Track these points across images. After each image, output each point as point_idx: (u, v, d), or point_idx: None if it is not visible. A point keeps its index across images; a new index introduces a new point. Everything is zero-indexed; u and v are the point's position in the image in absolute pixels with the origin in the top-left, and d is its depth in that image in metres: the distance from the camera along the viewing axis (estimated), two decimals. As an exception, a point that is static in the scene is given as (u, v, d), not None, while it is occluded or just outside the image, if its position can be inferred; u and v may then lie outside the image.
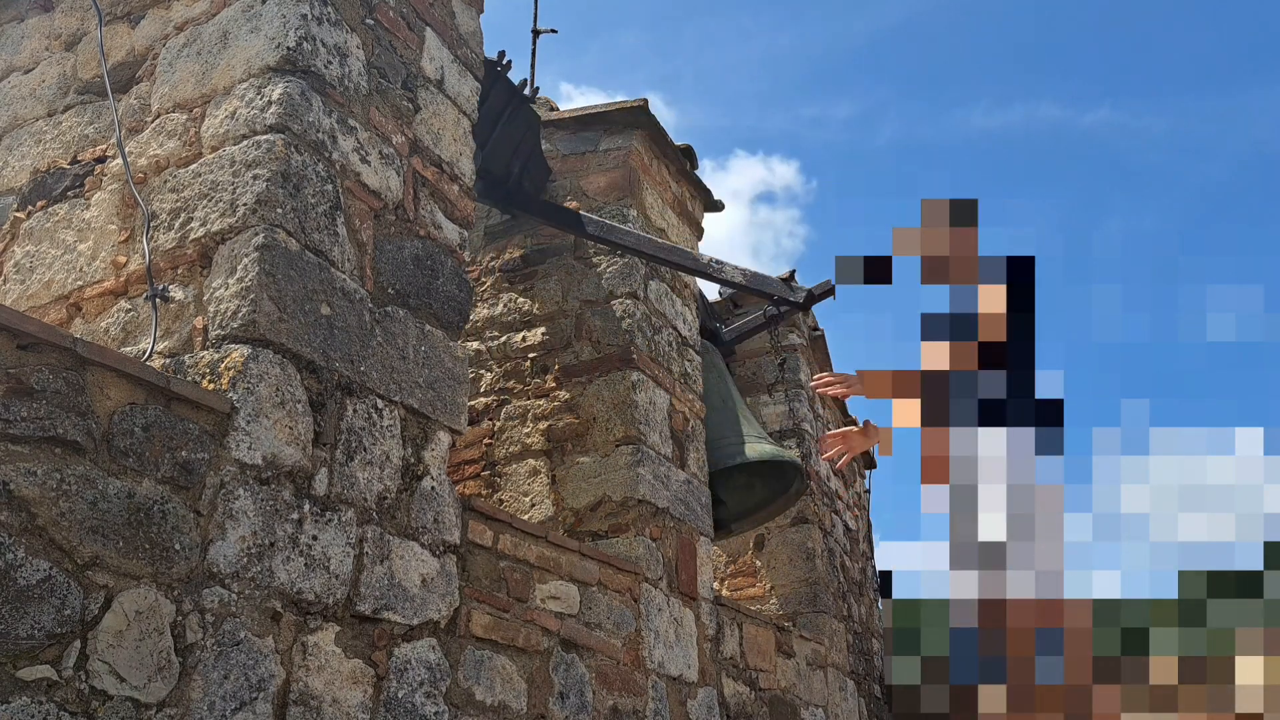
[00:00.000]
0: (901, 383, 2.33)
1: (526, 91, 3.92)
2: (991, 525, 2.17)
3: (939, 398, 2.26)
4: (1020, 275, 2.31)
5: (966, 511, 2.20)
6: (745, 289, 4.29)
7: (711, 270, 4.06)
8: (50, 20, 2.95)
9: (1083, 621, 2.12)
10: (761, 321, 4.94)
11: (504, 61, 3.72)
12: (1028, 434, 2.20)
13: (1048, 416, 2.22)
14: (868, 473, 7.40)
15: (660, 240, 3.98)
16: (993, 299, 2.30)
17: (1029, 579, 2.15)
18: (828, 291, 4.31)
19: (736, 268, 4.14)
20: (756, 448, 4.55)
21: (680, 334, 4.21)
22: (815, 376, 3.64)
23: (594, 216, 3.92)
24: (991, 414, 2.22)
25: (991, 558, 2.16)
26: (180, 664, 1.88)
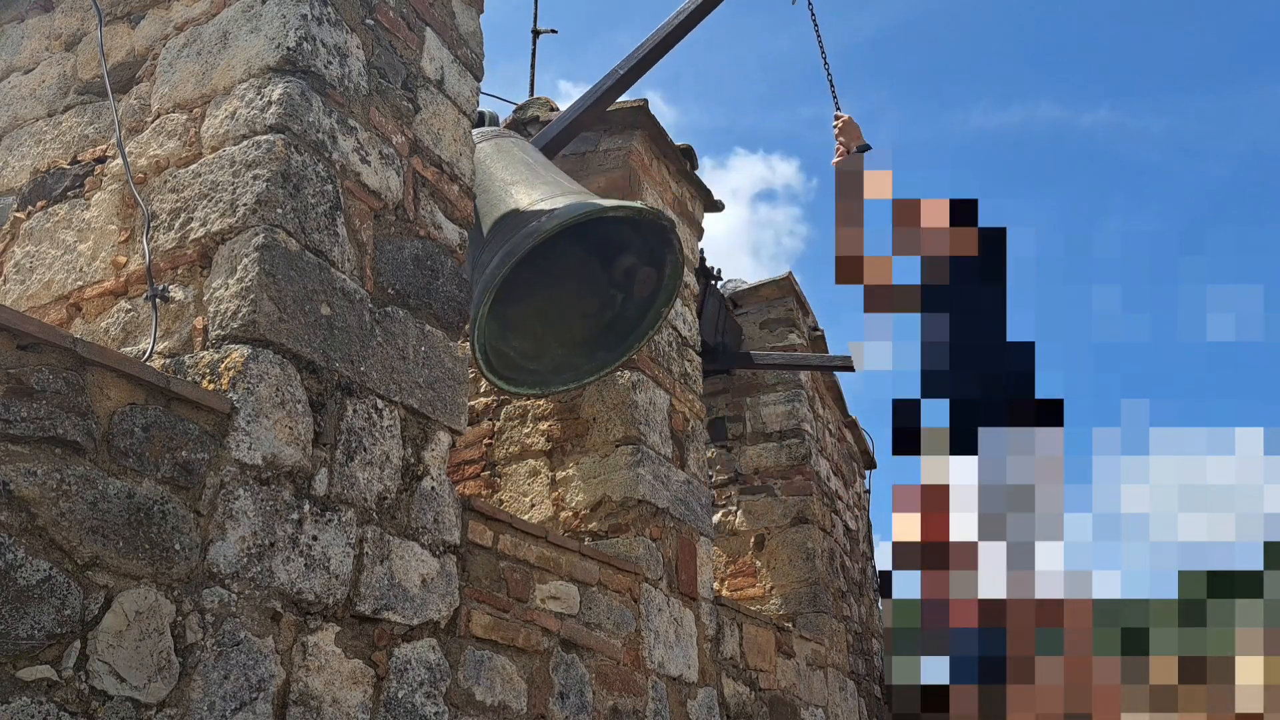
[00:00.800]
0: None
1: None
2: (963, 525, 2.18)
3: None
4: (991, 246, 2.32)
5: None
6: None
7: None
8: (50, 20, 2.95)
9: (1083, 621, 2.13)
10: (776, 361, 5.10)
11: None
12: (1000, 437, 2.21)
13: (1049, 417, 2.23)
14: (868, 473, 7.40)
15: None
16: (936, 213, 2.31)
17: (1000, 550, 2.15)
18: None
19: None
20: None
21: (680, 334, 4.21)
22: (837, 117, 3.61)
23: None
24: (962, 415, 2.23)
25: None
26: (180, 664, 1.88)
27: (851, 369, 4.95)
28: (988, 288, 2.29)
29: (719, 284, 4.72)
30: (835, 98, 4.09)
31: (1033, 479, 2.18)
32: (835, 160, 3.28)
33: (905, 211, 2.36)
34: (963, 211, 2.36)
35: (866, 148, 3.79)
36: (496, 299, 3.01)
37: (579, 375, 3.46)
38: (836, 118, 3.96)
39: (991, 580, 2.16)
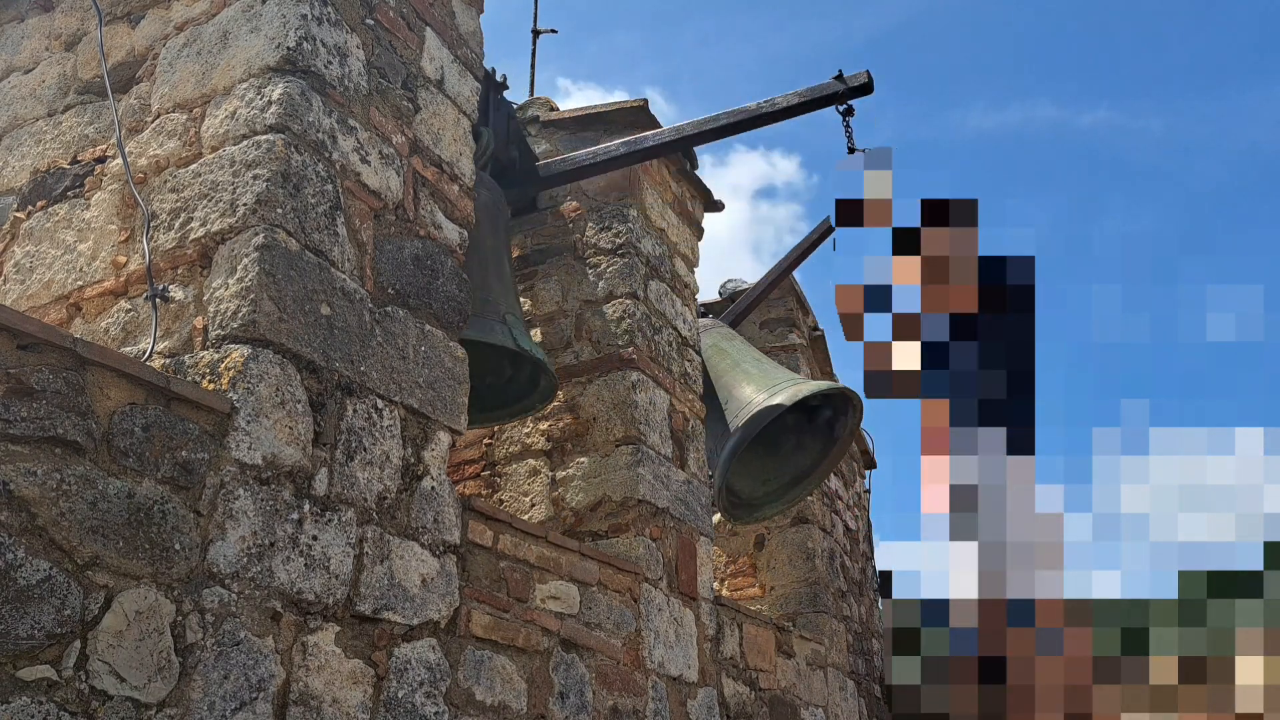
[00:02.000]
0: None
1: (499, 79, 3.99)
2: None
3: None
4: (1020, 276, 2.32)
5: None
6: (804, 107, 3.84)
7: (764, 110, 3.81)
8: (50, 20, 2.95)
9: (1083, 622, 2.13)
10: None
11: (492, 72, 3.85)
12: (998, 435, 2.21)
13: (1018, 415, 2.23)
14: (868, 473, 7.40)
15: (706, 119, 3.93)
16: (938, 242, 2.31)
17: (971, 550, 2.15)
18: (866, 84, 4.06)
19: (785, 96, 3.85)
20: (798, 387, 4.47)
21: (680, 334, 4.21)
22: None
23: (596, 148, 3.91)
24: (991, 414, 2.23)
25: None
26: (180, 664, 1.88)
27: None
28: (1018, 316, 2.30)
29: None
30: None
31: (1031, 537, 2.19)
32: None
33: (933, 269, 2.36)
34: (963, 212, 2.37)
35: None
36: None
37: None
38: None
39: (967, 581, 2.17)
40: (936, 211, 2.37)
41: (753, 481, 4.77)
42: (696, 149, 4.41)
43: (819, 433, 4.79)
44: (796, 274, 5.94)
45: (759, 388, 4.49)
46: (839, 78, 3.71)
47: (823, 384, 4.63)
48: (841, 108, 3.76)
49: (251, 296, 2.18)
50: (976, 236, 2.36)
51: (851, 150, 3.57)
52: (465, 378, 2.79)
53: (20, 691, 1.64)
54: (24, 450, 1.73)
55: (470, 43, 3.11)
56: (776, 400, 4.40)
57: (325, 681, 2.16)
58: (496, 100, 3.95)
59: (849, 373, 6.72)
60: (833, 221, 4.25)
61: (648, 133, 3.91)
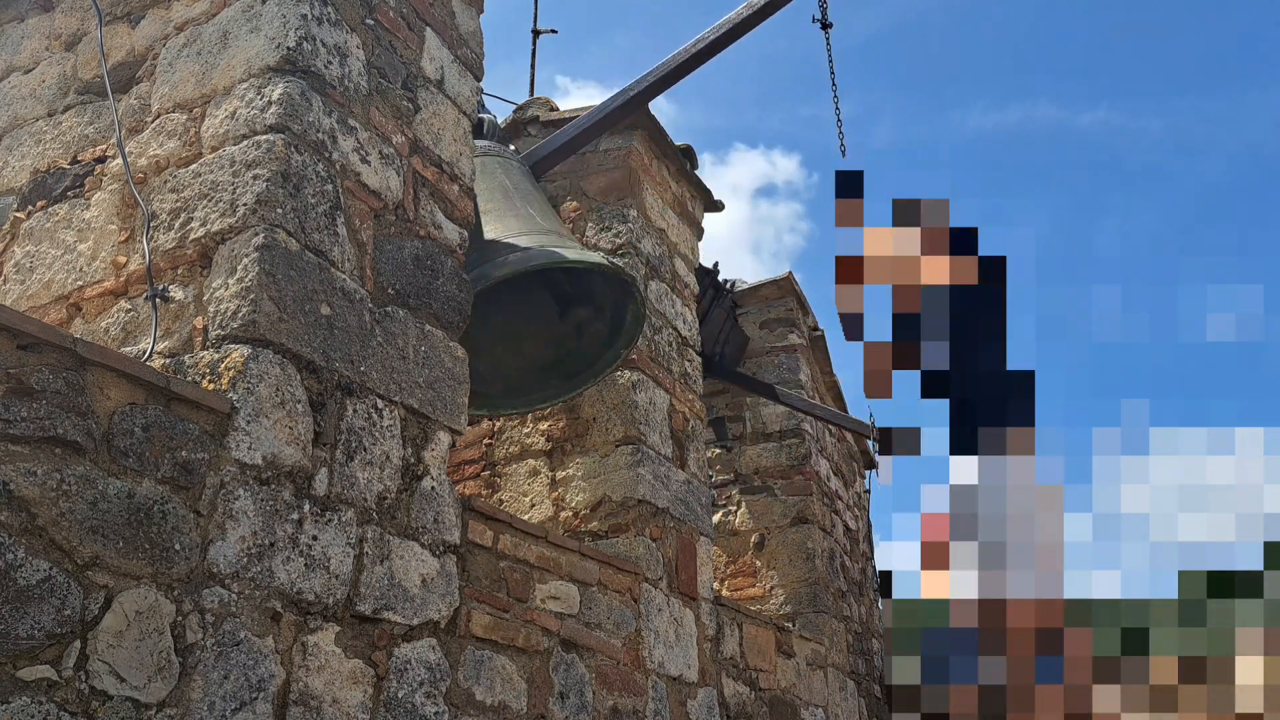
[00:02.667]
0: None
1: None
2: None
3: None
4: (991, 276, 2.33)
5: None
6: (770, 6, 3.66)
7: (744, 13, 3.65)
8: (50, 20, 2.95)
9: (1083, 622, 2.13)
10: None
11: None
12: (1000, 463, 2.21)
13: (1019, 388, 2.23)
14: (868, 473, 7.40)
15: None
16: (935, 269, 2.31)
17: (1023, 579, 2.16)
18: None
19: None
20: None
21: (680, 334, 4.21)
22: None
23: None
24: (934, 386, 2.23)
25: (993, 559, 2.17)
26: (180, 664, 1.88)
27: (867, 435, 4.62)
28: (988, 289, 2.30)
29: (729, 292, 4.33)
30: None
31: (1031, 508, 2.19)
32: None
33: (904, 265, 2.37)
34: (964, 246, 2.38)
35: None
36: None
37: (529, 402, 3.58)
38: None
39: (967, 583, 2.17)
40: (908, 212, 2.38)
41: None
42: (696, 148, 4.41)
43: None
44: (796, 274, 5.95)
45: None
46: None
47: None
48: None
49: (251, 296, 2.18)
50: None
51: (824, 24, 3.46)
52: (465, 378, 2.79)
53: (20, 691, 1.64)
54: (24, 450, 1.73)
55: (470, 43, 3.11)
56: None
57: (325, 681, 2.16)
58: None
59: (849, 373, 6.73)
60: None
61: (634, 81, 3.72)
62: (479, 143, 3.47)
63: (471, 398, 3.14)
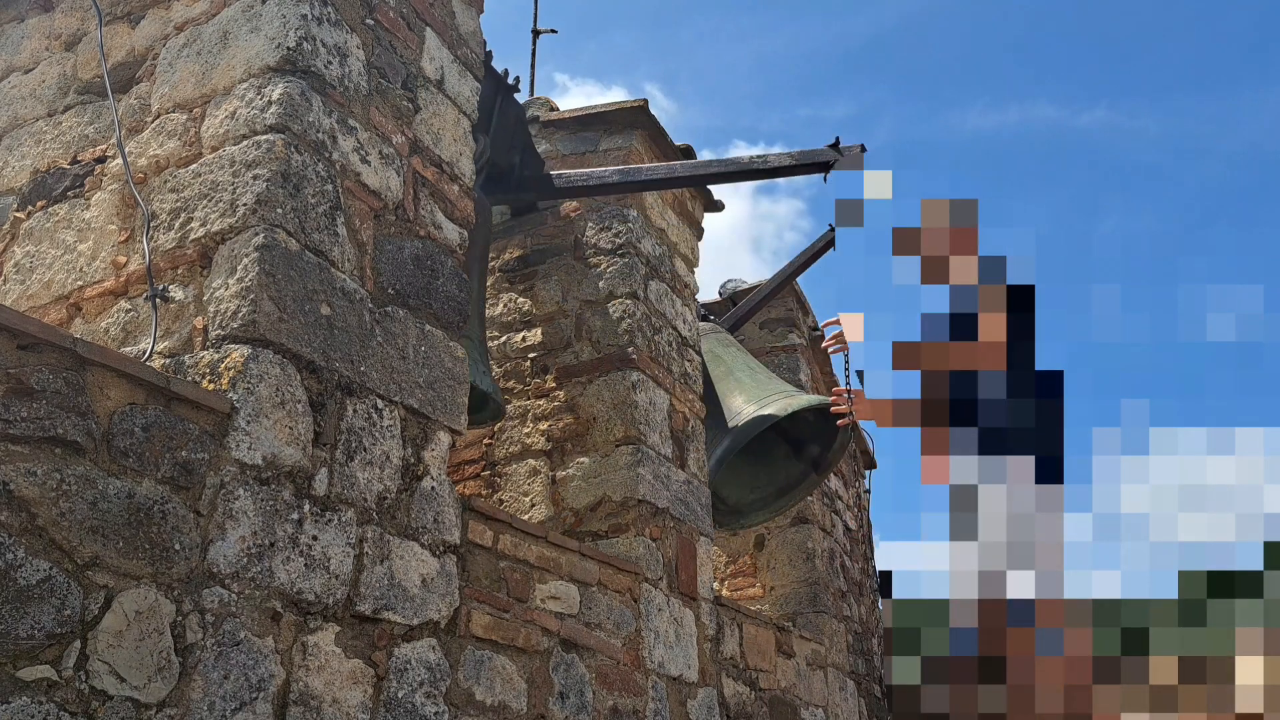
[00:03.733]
0: (902, 411, 2.33)
1: (510, 81, 3.93)
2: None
3: (938, 421, 2.26)
4: (1020, 305, 2.32)
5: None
6: (795, 170, 3.82)
7: (756, 165, 3.80)
8: (50, 20, 2.95)
9: (1083, 622, 2.13)
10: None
11: (489, 55, 3.71)
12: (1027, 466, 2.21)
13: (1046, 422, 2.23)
14: (868, 473, 7.40)
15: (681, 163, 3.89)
16: (993, 326, 2.30)
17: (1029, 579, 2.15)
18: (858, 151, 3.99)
19: (778, 155, 3.84)
20: (789, 400, 4.48)
21: (680, 334, 4.21)
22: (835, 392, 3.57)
23: (604, 170, 3.88)
24: (991, 443, 2.23)
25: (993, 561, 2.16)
26: (180, 664, 1.88)
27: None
28: (1017, 344, 2.29)
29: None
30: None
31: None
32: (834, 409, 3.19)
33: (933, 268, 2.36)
34: (963, 211, 2.36)
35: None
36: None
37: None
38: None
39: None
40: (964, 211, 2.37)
41: (741, 489, 4.86)
42: (696, 149, 4.41)
43: (810, 444, 4.86)
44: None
45: (750, 398, 4.57)
46: (835, 146, 3.84)
47: (813, 398, 4.63)
48: (828, 178, 3.76)
49: (251, 296, 2.18)
50: (976, 236, 2.35)
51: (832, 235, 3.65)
52: (465, 378, 2.79)
53: (20, 691, 1.64)
54: (24, 450, 1.73)
55: (470, 43, 3.11)
56: (767, 411, 4.45)
57: (325, 681, 2.16)
58: (504, 103, 3.89)
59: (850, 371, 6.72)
60: (834, 238, 4.20)
61: (643, 165, 3.98)
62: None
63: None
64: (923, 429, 2.27)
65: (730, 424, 4.47)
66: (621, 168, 3.92)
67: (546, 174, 3.96)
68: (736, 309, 5.44)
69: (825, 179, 3.72)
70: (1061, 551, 2.16)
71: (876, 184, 2.42)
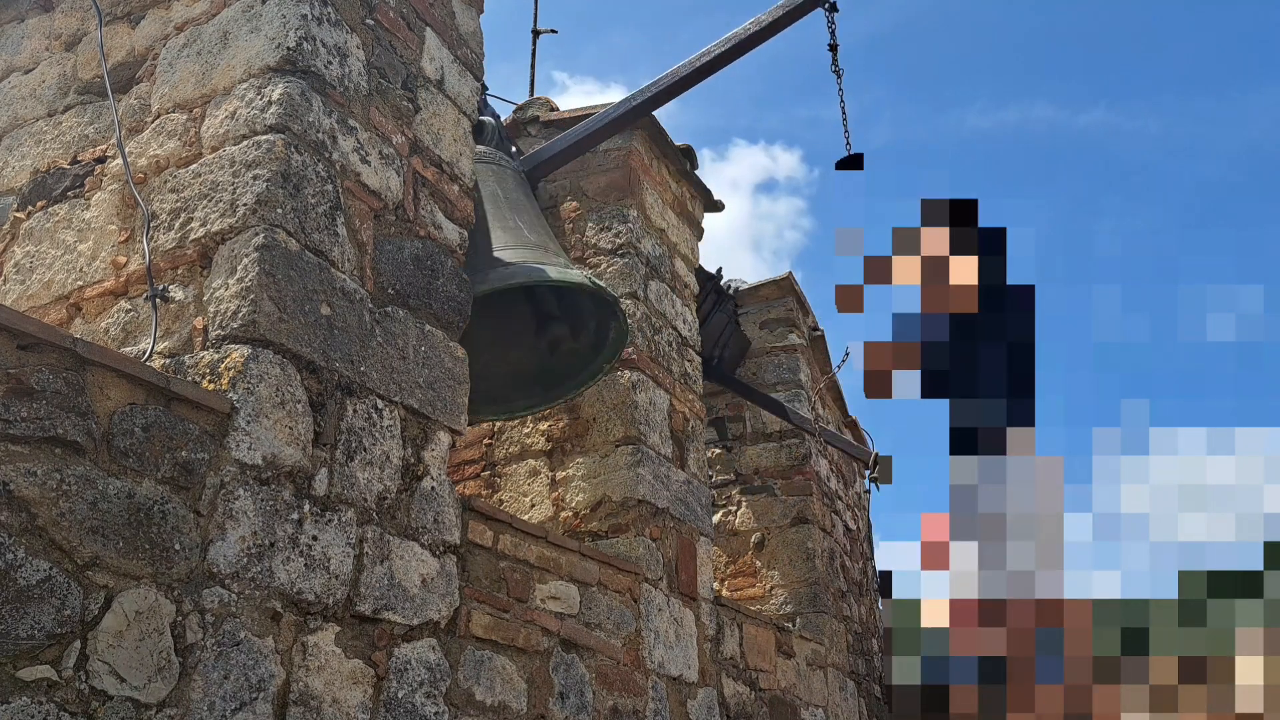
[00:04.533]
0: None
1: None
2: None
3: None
4: (1021, 303, 2.33)
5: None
6: (792, 15, 3.64)
7: (751, 29, 3.62)
8: (50, 20, 2.95)
9: (1083, 621, 2.13)
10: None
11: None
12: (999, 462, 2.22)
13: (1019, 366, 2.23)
14: (868, 473, 7.40)
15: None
16: (963, 270, 2.31)
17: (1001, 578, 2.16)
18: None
19: (769, 11, 3.66)
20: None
21: (680, 334, 4.21)
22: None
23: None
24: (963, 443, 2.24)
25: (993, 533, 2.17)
26: (180, 664, 1.88)
27: (866, 463, 4.28)
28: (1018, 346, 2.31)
29: (731, 296, 4.24)
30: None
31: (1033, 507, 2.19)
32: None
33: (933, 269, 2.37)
34: (963, 212, 2.38)
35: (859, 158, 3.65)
36: None
37: (511, 409, 3.65)
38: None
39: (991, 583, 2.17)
40: (936, 211, 2.38)
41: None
42: (696, 148, 4.41)
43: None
44: (797, 273, 5.96)
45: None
46: None
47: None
48: (827, 4, 3.60)
49: (251, 297, 2.18)
50: (976, 237, 2.36)
51: (834, 47, 3.46)
52: (465, 378, 2.79)
53: (20, 691, 1.64)
54: (24, 450, 1.73)
55: (470, 43, 3.11)
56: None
57: (325, 681, 2.16)
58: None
59: (849, 373, 6.72)
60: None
61: (638, 91, 3.74)
62: (477, 149, 3.48)
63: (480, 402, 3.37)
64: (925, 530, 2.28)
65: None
66: (619, 102, 3.70)
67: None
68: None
69: (825, 7, 3.57)
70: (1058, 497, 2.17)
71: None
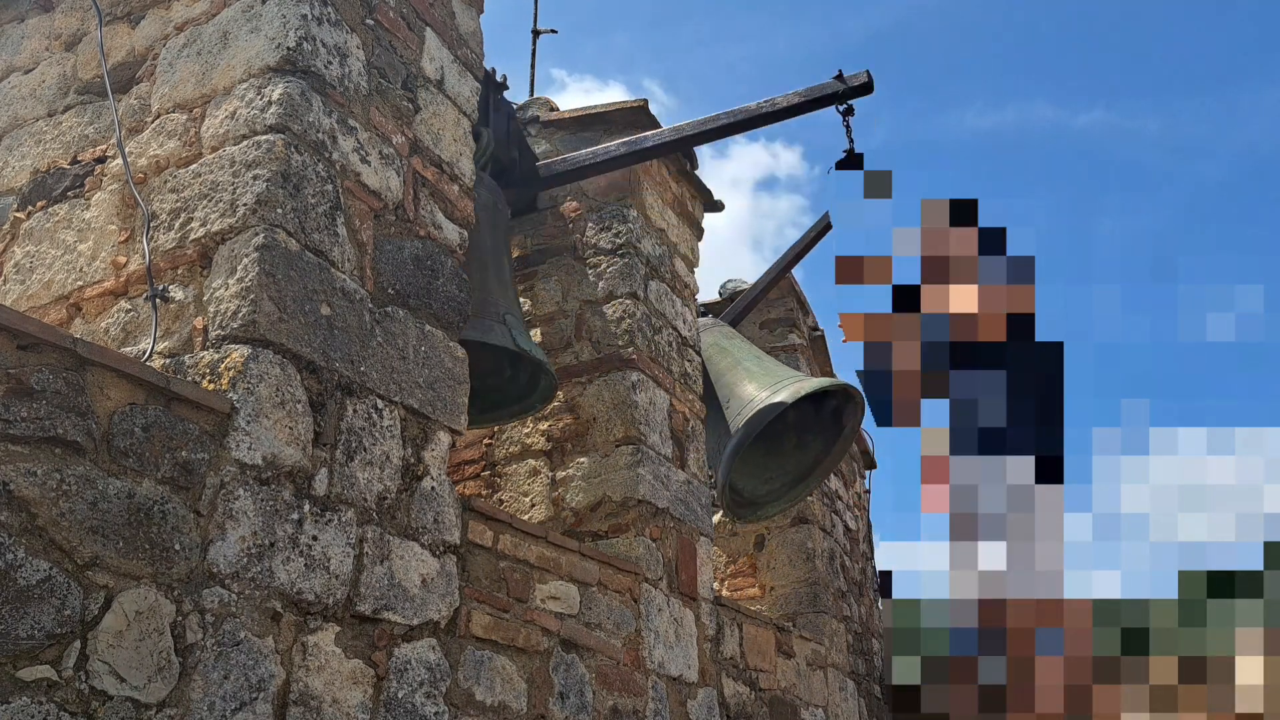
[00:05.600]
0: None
1: (498, 79, 3.99)
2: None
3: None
4: (1050, 364, 2.33)
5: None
6: (804, 107, 3.86)
7: (765, 109, 3.84)
8: (50, 20, 2.95)
9: (1083, 621, 2.13)
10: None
11: (492, 71, 3.90)
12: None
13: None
14: (868, 473, 7.40)
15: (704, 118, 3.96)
16: (963, 241, 2.32)
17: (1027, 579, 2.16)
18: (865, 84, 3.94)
19: (786, 96, 3.86)
20: (800, 384, 4.46)
21: (680, 334, 4.21)
22: None
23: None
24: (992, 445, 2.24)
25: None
26: (180, 664, 1.88)
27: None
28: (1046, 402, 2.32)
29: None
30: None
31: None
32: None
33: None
34: (962, 211, 2.38)
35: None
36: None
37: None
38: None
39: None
40: (936, 211, 2.39)
41: (755, 480, 4.77)
42: (696, 148, 4.41)
43: (820, 430, 4.76)
44: (796, 274, 5.96)
45: (760, 385, 4.48)
46: (839, 77, 3.71)
47: (824, 381, 4.61)
48: (841, 107, 3.74)
49: (251, 297, 2.18)
50: (976, 236, 2.37)
51: (850, 152, 3.56)
52: (465, 378, 2.79)
53: (20, 691, 1.64)
54: (24, 450, 1.73)
55: (470, 43, 3.11)
56: (779, 398, 4.38)
57: (325, 682, 2.16)
58: (497, 100, 3.92)
59: (849, 373, 6.74)
60: (831, 220, 4.35)
61: (648, 133, 3.92)
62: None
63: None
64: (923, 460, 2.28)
65: (743, 413, 4.39)
66: (626, 139, 3.89)
67: (537, 166, 4.03)
68: (735, 304, 5.43)
69: (839, 109, 3.67)
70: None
71: (875, 183, 2.43)
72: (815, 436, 4.75)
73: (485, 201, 3.54)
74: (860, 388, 4.37)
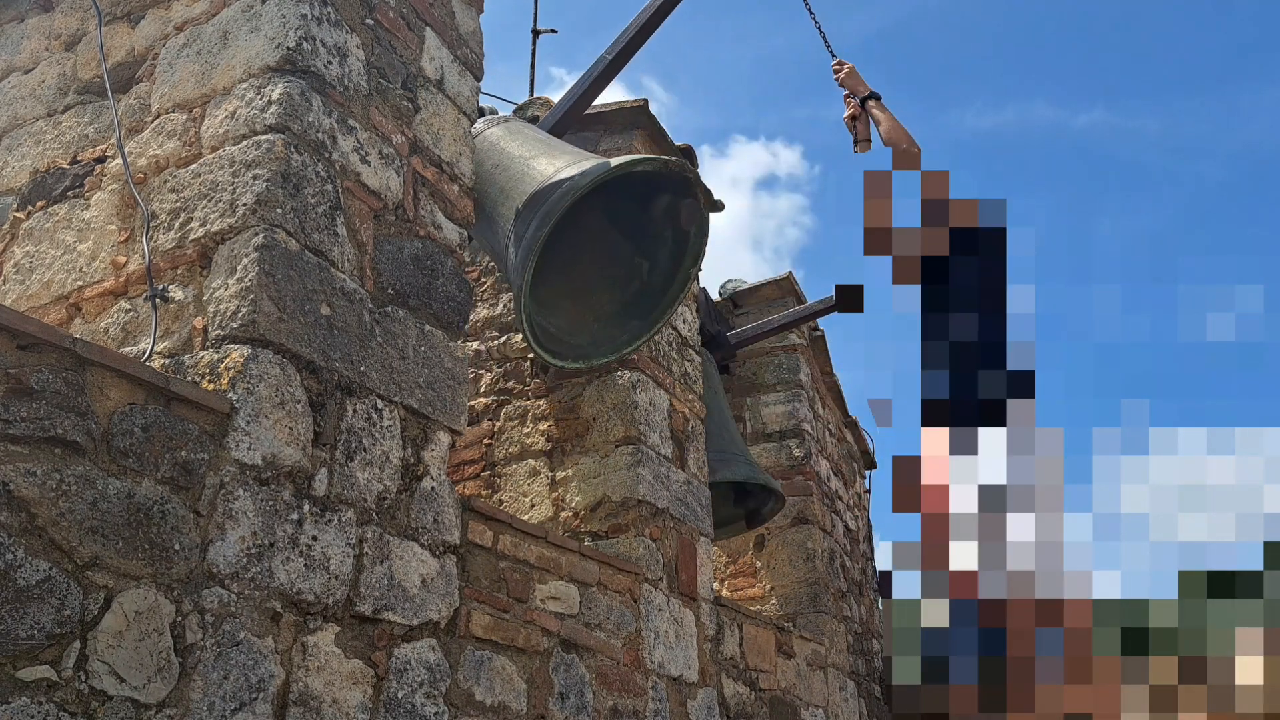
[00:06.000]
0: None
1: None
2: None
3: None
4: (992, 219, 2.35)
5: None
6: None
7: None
8: (50, 20, 2.95)
9: (1083, 621, 2.13)
10: (773, 328, 5.52)
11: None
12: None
13: (1019, 388, 2.24)
14: (868, 473, 7.40)
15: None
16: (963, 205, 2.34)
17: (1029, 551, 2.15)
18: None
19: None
20: (733, 469, 4.66)
21: (680, 334, 4.21)
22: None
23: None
24: (963, 361, 2.25)
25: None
26: (180, 664, 1.88)
27: (833, 309, 5.41)
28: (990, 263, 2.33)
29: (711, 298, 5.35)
30: (829, 48, 4.19)
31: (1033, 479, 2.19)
32: (848, 115, 3.68)
33: (933, 182, 2.38)
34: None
35: (876, 96, 3.89)
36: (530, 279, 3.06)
37: (617, 347, 3.51)
38: (837, 66, 4.09)
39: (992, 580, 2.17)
40: (936, 211, 2.40)
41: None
42: (696, 146, 4.41)
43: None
44: (798, 272, 6.06)
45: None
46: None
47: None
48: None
49: (251, 297, 2.18)
50: (948, 179, 2.41)
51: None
52: (465, 378, 2.79)
53: (20, 692, 1.64)
54: (24, 450, 1.73)
55: (470, 43, 3.11)
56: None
57: (325, 682, 2.16)
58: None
59: (850, 372, 6.73)
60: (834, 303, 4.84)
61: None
62: (492, 116, 3.70)
63: (565, 352, 3.35)
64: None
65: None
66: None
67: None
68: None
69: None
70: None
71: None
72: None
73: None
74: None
